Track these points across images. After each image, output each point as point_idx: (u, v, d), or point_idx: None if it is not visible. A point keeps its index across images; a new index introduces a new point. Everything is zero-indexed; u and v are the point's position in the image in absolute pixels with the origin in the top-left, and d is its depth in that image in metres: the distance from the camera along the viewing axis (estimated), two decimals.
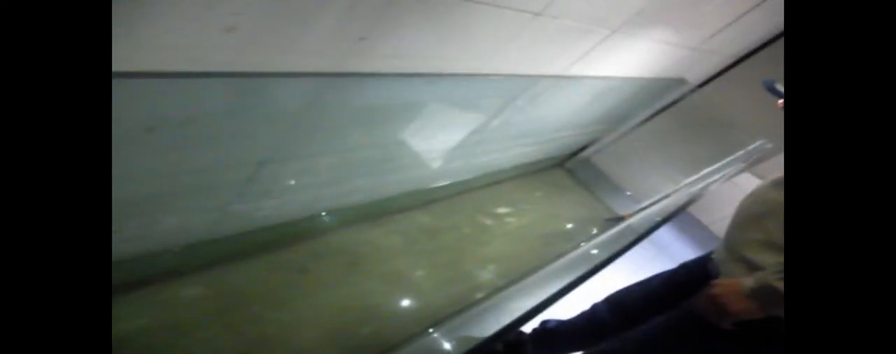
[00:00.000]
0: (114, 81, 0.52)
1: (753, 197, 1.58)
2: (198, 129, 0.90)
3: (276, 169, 1.21)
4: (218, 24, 0.70)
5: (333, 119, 1.14)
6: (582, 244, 2.69)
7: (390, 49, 0.98)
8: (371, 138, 1.38)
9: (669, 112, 2.86)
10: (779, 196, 1.43)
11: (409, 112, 1.36)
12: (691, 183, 2.86)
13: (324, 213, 1.74)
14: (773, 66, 2.69)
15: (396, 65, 1.04)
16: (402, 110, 1.30)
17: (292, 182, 1.33)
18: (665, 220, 2.36)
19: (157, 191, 1.02)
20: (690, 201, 2.51)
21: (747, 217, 1.52)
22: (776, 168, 3.28)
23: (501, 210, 2.56)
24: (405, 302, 1.89)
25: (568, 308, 1.99)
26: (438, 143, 1.76)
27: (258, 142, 1.08)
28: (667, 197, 2.94)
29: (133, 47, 0.66)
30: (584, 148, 3.05)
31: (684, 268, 1.80)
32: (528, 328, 2.08)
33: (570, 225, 2.81)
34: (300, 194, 1.46)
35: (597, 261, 1.85)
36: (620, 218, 2.98)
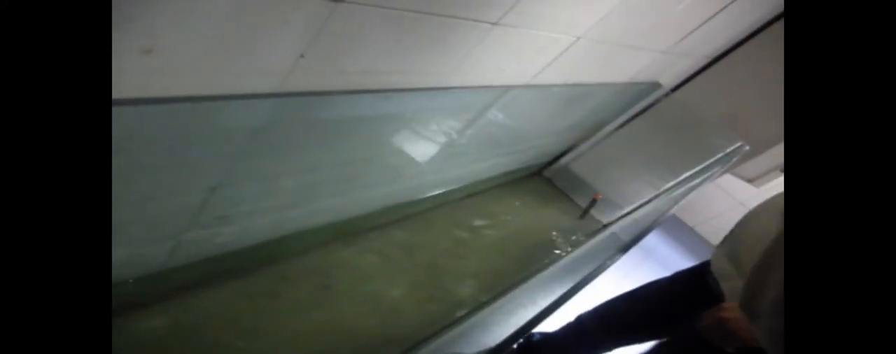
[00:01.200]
0: None
1: (768, 212, 1.42)
2: (130, 158, 0.84)
3: (229, 193, 1.15)
4: (131, 47, 0.65)
5: (284, 140, 1.09)
6: (566, 254, 2.65)
7: (335, 66, 0.93)
8: (332, 157, 1.33)
9: (646, 116, 2.84)
10: None
11: (369, 128, 1.31)
12: (672, 188, 2.84)
13: (292, 235, 1.68)
14: (747, 66, 2.68)
15: (343, 82, 0.99)
16: (360, 127, 1.25)
17: (249, 206, 1.27)
18: (650, 228, 2.32)
19: None
20: (672, 206, 2.48)
21: (761, 234, 1.36)
22: (756, 169, 3.27)
23: (479, 222, 2.51)
24: (384, 323, 1.83)
25: (553, 320, 1.95)
26: (408, 158, 1.71)
27: (205, 167, 1.03)
28: (648, 202, 2.92)
29: None
30: (562, 155, 3.02)
31: (679, 281, 1.72)
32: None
33: (551, 235, 2.77)
34: (262, 217, 1.40)
35: (584, 273, 1.81)
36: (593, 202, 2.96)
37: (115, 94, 0.67)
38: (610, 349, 1.91)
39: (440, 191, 2.32)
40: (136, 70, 0.68)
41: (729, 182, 4.07)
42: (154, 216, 1.08)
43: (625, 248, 1.86)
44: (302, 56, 0.85)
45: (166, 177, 0.98)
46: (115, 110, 0.69)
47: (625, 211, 3.04)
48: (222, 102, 0.85)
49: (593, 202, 2.95)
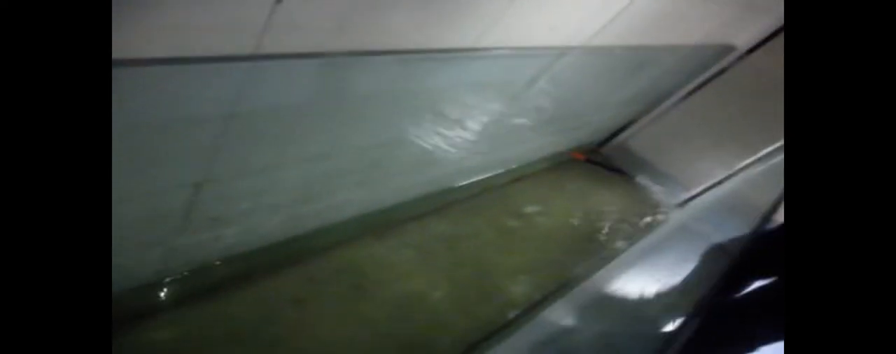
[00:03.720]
0: None
1: None
2: None
3: (219, 189, 0.94)
4: None
5: (272, 120, 0.86)
6: (630, 242, 2.40)
7: (328, 17, 0.69)
8: (346, 140, 1.11)
9: (715, 83, 2.53)
10: None
11: (391, 103, 1.07)
12: (748, 166, 2.53)
13: (313, 232, 1.48)
14: None
15: (341, 41, 0.74)
16: (377, 101, 1.02)
17: (248, 203, 1.07)
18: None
19: None
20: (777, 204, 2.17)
21: None
22: None
23: (530, 209, 2.28)
24: (424, 331, 1.61)
25: None
26: (446, 139, 1.48)
27: (182, 160, 0.81)
28: (721, 183, 2.63)
29: None
30: (619, 131, 2.74)
31: None
32: None
33: (611, 221, 2.51)
34: (269, 215, 1.20)
35: (659, 265, 1.60)
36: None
37: None
38: None
39: (485, 176, 2.11)
40: None
41: None
42: (131, 220, 0.88)
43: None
44: (278, 1, 0.62)
45: (134, 174, 0.77)
46: None
47: (692, 194, 2.75)
48: (186, 67, 0.62)
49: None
